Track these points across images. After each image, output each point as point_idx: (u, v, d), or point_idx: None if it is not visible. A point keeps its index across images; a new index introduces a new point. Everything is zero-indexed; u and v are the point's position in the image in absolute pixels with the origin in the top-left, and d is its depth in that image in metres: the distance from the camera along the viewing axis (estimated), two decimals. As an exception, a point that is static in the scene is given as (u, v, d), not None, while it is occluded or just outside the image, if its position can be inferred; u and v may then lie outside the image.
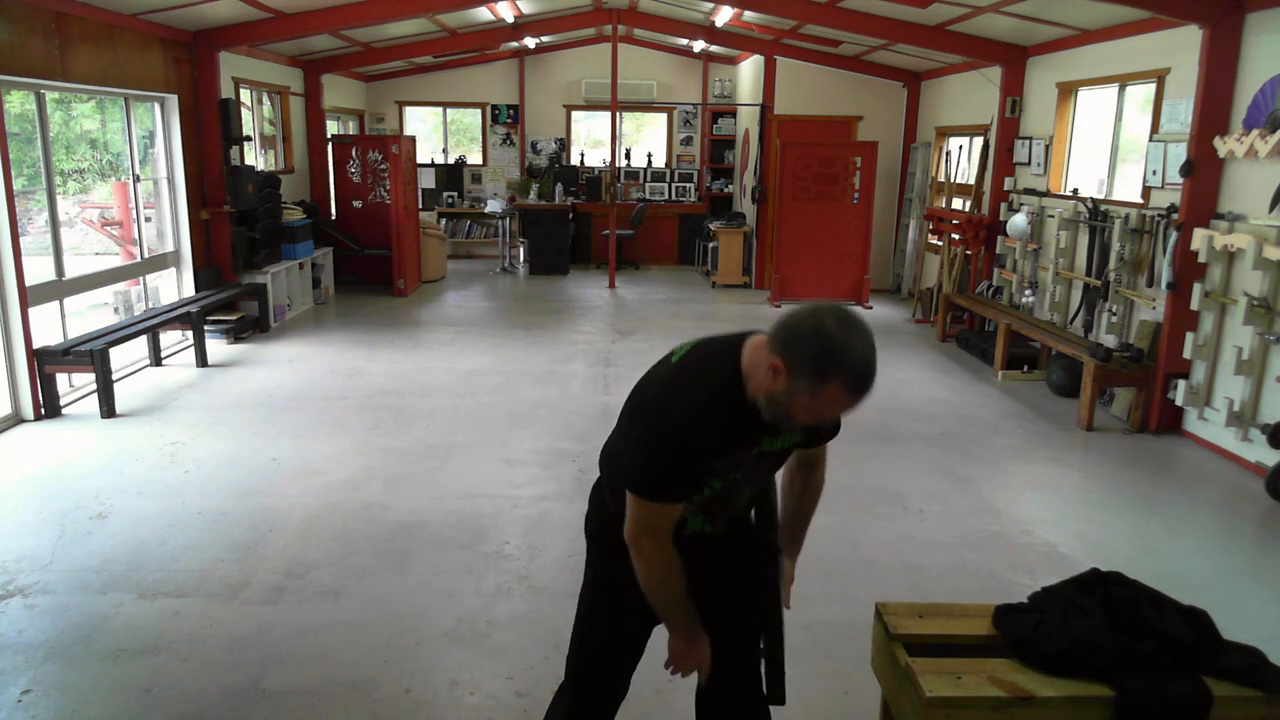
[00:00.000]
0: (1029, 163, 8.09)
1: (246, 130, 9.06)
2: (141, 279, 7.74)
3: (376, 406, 6.22)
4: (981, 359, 7.88)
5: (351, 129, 13.02)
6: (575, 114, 14.14)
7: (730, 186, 13.62)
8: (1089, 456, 5.58)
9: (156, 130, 7.81)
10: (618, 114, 11.63)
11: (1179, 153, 5.85)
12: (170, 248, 7.99)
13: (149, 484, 4.79)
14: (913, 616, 2.40)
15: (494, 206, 12.97)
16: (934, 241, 9.79)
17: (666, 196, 13.67)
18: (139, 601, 3.59)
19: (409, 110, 14.01)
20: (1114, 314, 6.66)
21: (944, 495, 4.85)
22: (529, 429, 5.77)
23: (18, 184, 6.13)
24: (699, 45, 12.33)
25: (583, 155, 14.02)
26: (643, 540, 1.90)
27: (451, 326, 8.98)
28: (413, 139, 11.54)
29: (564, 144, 13.96)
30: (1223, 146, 5.43)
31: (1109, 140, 7.16)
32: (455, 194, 13.80)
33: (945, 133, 10.18)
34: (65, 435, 5.58)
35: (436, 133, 14.31)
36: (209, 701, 2.98)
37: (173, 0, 6.85)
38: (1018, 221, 7.70)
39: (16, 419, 5.79)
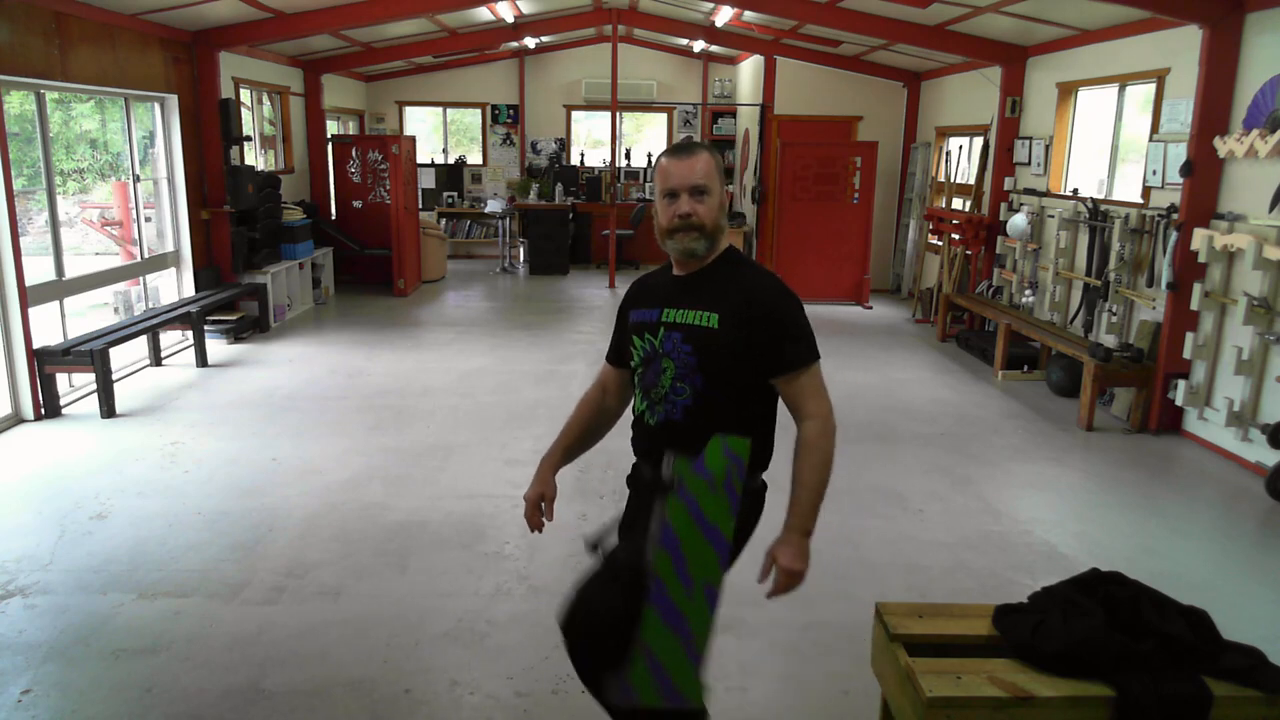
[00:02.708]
0: (1029, 163, 8.09)
1: (246, 130, 9.06)
2: (141, 279, 7.74)
3: (376, 406, 6.22)
4: (981, 359, 7.88)
5: (351, 129, 13.02)
6: (575, 114, 14.15)
7: (730, 186, 13.63)
8: (1089, 456, 5.58)
9: (156, 130, 7.81)
10: (618, 114, 11.63)
11: (1179, 153, 5.85)
12: (170, 248, 7.99)
13: (149, 484, 4.79)
14: (913, 617, 2.41)
15: (494, 206, 12.98)
16: (934, 241, 9.79)
17: (666, 196, 13.65)
18: (139, 601, 3.59)
19: (409, 110, 14.01)
20: (1114, 314, 6.66)
21: (944, 495, 4.85)
22: (529, 429, 5.77)
23: (18, 184, 6.13)
24: (699, 45, 12.34)
25: (583, 155, 14.02)
26: None
27: (451, 326, 8.98)
28: (413, 139, 11.54)
29: (564, 144, 13.97)
30: (1223, 146, 5.43)
31: (1109, 140, 7.16)
32: (455, 194, 13.80)
33: (945, 133, 10.18)
34: (65, 435, 5.58)
35: (436, 133, 14.32)
36: (209, 701, 2.98)
37: (173, 0, 6.85)
38: (1018, 221, 7.70)
39: (16, 419, 5.79)
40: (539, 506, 2.30)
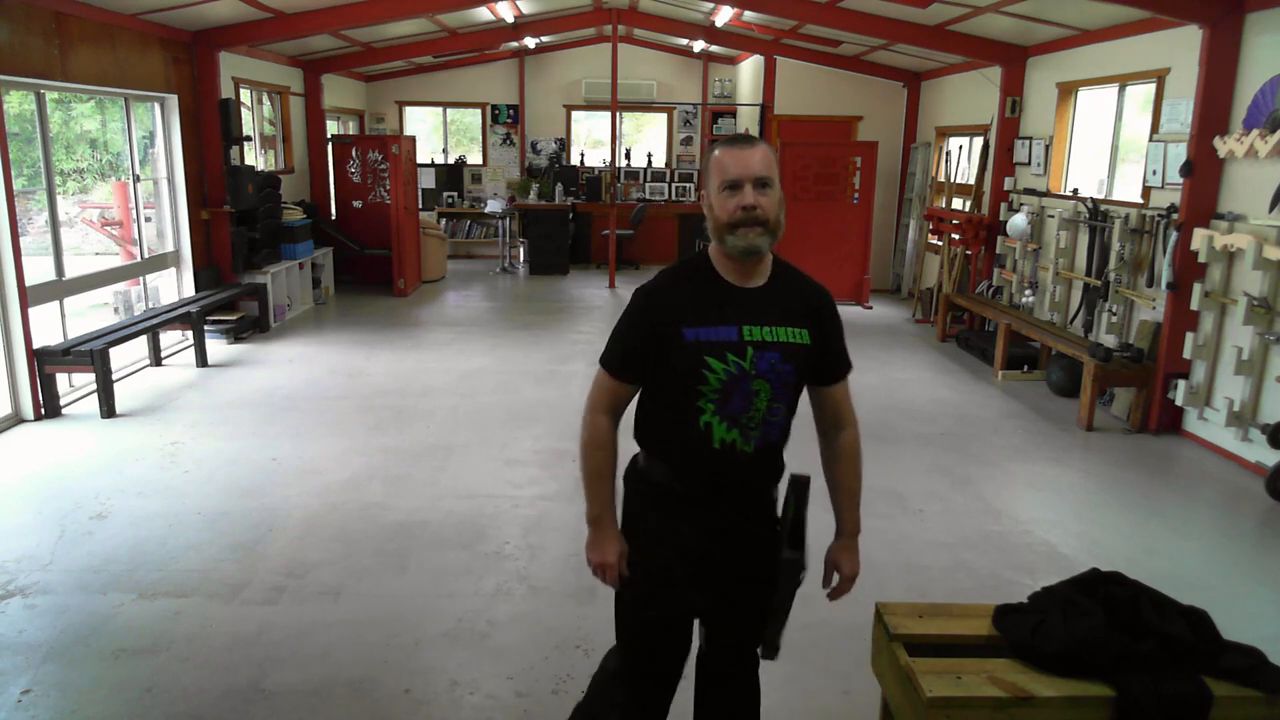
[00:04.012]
0: (1029, 163, 8.09)
1: (246, 130, 9.06)
2: (141, 279, 7.74)
3: (376, 406, 6.22)
4: (981, 359, 7.88)
5: (351, 129, 13.02)
6: (575, 114, 14.14)
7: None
8: (1089, 456, 5.58)
9: (156, 130, 7.81)
10: (618, 114, 11.63)
11: (1179, 153, 5.85)
12: (170, 248, 7.99)
13: (149, 484, 4.79)
14: (913, 616, 2.41)
15: (494, 206, 12.98)
16: (934, 241, 9.79)
17: (666, 196, 13.67)
18: (139, 601, 3.59)
19: (409, 110, 14.01)
20: (1114, 314, 6.66)
21: (944, 495, 4.85)
22: (529, 429, 5.77)
23: (18, 184, 6.13)
24: (699, 45, 12.34)
25: (583, 155, 14.02)
26: (587, 413, 2.14)
27: (451, 326, 8.98)
28: (413, 139, 11.54)
29: (564, 144, 13.97)
30: (1223, 146, 5.43)
31: (1109, 140, 7.16)
32: (455, 194, 13.80)
33: (945, 133, 10.18)
34: (65, 435, 5.58)
35: (436, 133, 14.31)
36: (209, 701, 2.98)
37: (173, 0, 6.85)
38: (1018, 221, 7.70)
39: (16, 419, 5.79)
40: (619, 561, 2.24)
